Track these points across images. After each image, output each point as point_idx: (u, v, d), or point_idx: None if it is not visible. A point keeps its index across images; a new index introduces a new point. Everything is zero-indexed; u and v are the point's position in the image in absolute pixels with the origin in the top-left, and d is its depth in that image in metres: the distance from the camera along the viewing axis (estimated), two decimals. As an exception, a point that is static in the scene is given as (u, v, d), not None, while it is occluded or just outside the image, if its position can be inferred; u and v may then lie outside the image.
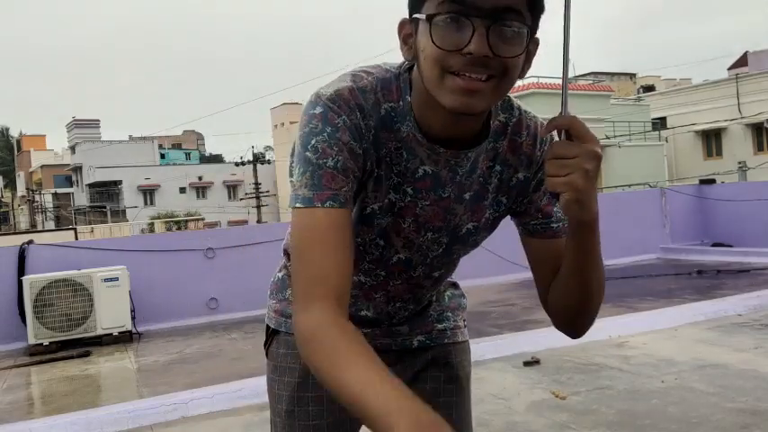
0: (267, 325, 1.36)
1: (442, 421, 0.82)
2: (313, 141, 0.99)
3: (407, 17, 0.99)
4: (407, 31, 0.99)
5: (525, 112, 1.12)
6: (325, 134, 0.99)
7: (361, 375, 0.87)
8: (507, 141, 1.10)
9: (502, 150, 1.11)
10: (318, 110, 1.00)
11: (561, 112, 0.96)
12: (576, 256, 1.05)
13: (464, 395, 1.35)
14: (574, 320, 1.14)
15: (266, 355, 1.37)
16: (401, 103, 1.04)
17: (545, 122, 1.09)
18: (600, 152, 0.92)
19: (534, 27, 0.95)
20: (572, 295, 1.10)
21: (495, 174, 1.12)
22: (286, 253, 1.35)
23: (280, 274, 1.37)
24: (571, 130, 0.92)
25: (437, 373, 1.33)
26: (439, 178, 1.08)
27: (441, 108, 0.96)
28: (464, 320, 1.41)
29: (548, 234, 1.17)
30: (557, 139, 0.96)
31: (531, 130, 1.12)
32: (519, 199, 1.16)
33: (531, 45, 0.97)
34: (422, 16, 0.93)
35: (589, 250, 1.05)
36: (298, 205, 0.98)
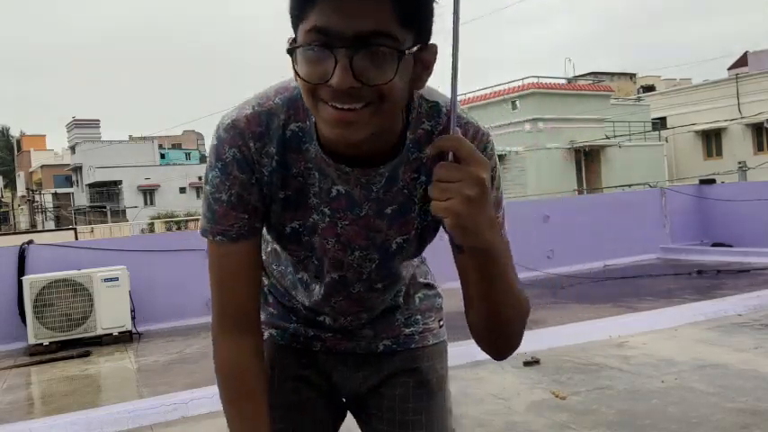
0: None
1: None
2: (210, 176, 1.03)
3: (291, 37, 0.93)
4: (289, 49, 0.96)
5: (457, 117, 1.04)
6: (217, 169, 1.02)
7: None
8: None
9: (427, 160, 1.04)
10: (214, 142, 1.04)
11: (451, 131, 0.91)
12: (479, 283, 0.99)
13: (436, 399, 1.31)
14: (490, 343, 1.07)
15: None
16: (308, 123, 1.02)
17: (478, 127, 1.05)
18: (484, 177, 0.86)
19: (422, 37, 0.90)
20: (483, 319, 1.03)
21: (420, 185, 1.07)
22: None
23: None
24: (456, 152, 0.87)
25: (406, 379, 1.29)
26: (352, 197, 1.05)
27: None
28: (440, 320, 1.37)
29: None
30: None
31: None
32: None
33: (427, 55, 0.92)
34: (288, 45, 0.91)
35: (491, 278, 0.97)
36: (201, 235, 1.08)
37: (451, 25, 0.89)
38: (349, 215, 1.07)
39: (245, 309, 1.09)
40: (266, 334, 1.31)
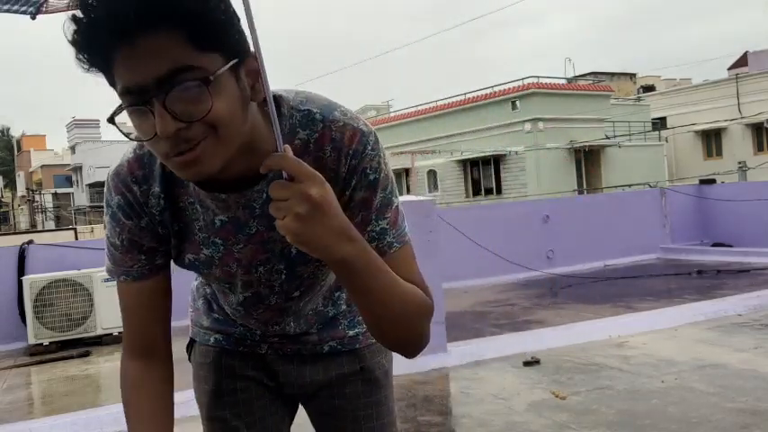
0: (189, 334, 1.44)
1: None
2: (105, 221, 1.09)
3: None
4: None
5: (332, 122, 1.00)
6: (109, 215, 1.08)
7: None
8: (312, 159, 0.99)
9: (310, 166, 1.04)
10: (105, 190, 1.08)
11: (278, 149, 0.88)
12: (349, 295, 0.99)
13: (383, 392, 1.37)
14: (388, 346, 1.07)
15: (189, 361, 1.43)
16: None
17: (357, 127, 1.01)
18: (312, 192, 0.84)
19: (233, 53, 0.86)
20: (370, 327, 1.01)
21: None
22: None
23: (196, 283, 1.42)
24: (285, 170, 0.85)
25: (354, 378, 1.35)
26: (238, 221, 1.05)
27: None
28: None
29: None
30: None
31: (337, 143, 1.00)
32: None
33: (249, 66, 0.89)
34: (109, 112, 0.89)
35: (357, 291, 0.94)
36: (106, 272, 1.15)
37: (253, 41, 0.86)
38: (240, 237, 1.07)
39: (153, 338, 1.15)
40: (212, 339, 1.35)
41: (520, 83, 24.45)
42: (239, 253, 1.10)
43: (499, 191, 24.72)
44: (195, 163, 0.87)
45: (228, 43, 0.86)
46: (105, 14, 0.80)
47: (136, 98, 0.84)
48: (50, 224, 45.36)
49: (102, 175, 45.69)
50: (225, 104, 0.86)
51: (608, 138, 25.69)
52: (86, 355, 6.36)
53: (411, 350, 1.03)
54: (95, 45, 0.82)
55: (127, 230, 1.07)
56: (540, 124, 23.63)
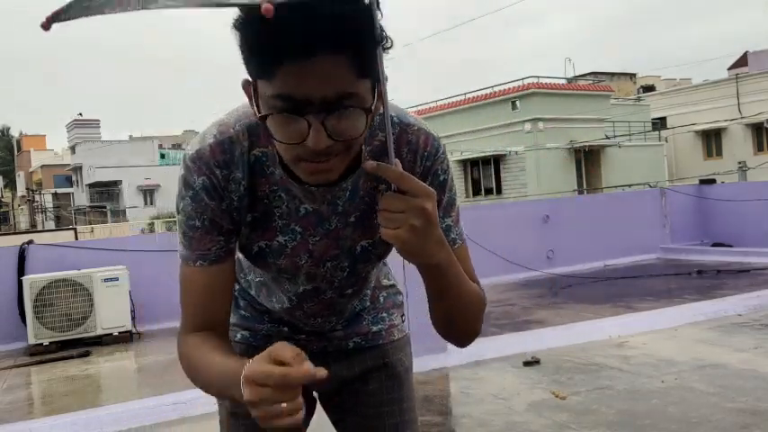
0: None
1: (261, 363, 0.87)
2: (181, 205, 1.08)
3: (248, 79, 0.96)
4: (249, 93, 0.97)
5: (408, 126, 1.09)
6: (188, 198, 1.06)
7: (210, 371, 1.02)
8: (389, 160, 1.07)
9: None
10: (182, 172, 1.07)
11: (391, 161, 0.95)
12: (433, 294, 1.06)
13: (405, 388, 1.40)
14: (449, 337, 1.15)
15: None
16: (270, 148, 1.06)
17: (429, 132, 1.09)
18: (429, 208, 0.91)
19: (377, 77, 0.92)
20: (439, 320, 1.11)
21: (380, 192, 1.12)
22: None
23: None
24: (398, 185, 0.92)
25: (377, 374, 1.38)
26: (321, 214, 1.11)
27: None
28: (402, 316, 1.46)
29: None
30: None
31: (413, 146, 1.09)
32: None
33: (380, 87, 0.94)
34: (256, 112, 0.93)
35: (442, 290, 1.04)
36: (179, 258, 1.12)
37: (379, 57, 0.91)
38: (319, 230, 1.13)
39: (217, 318, 1.13)
40: (238, 335, 1.37)
41: (520, 83, 24.45)
42: (314, 245, 1.14)
43: (499, 191, 24.72)
44: (324, 172, 0.94)
45: (376, 69, 0.92)
46: (301, 25, 0.83)
47: (295, 107, 0.88)
48: (50, 224, 45.35)
49: (102, 176, 45.69)
50: (365, 127, 0.93)
51: (608, 138, 25.68)
52: (86, 355, 6.36)
53: (469, 340, 1.14)
54: (276, 48, 0.85)
55: (210, 211, 1.06)
56: (540, 124, 23.62)
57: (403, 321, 1.45)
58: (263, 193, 1.09)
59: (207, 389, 1.05)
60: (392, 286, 1.45)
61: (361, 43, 0.87)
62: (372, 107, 0.93)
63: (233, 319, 1.37)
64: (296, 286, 1.22)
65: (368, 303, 1.38)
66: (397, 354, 1.40)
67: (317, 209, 1.10)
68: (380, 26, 0.89)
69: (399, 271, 1.44)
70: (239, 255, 1.23)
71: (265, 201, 1.09)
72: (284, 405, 0.83)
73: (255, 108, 0.94)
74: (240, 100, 1.08)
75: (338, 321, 1.33)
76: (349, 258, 1.17)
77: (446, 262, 1.00)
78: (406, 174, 0.93)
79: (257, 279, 1.31)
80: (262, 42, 0.86)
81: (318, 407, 1.45)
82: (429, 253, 0.95)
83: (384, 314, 1.40)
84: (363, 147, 1.07)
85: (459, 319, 1.10)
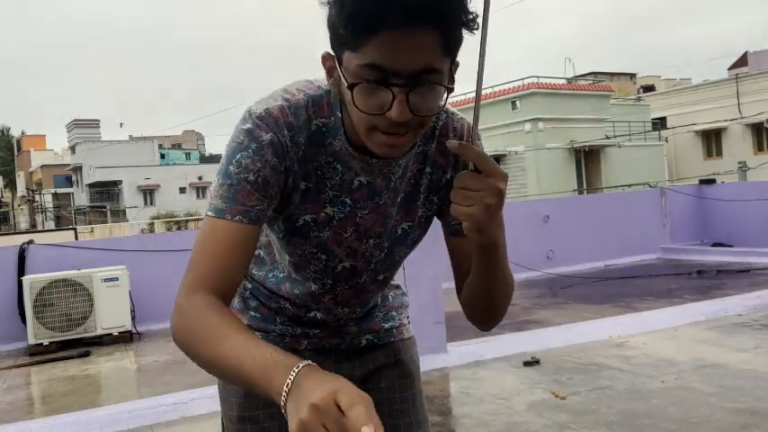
0: None
1: (316, 368, 0.83)
2: (238, 156, 1.04)
3: (330, 51, 0.99)
4: (330, 64, 1.00)
5: (452, 114, 1.17)
6: (250, 150, 1.04)
7: (237, 344, 0.90)
8: (436, 144, 1.15)
9: (431, 153, 1.16)
10: (247, 126, 1.05)
11: (474, 142, 1.02)
12: (480, 272, 1.10)
13: (416, 387, 1.40)
14: (480, 318, 1.19)
15: None
16: (332, 118, 1.08)
17: (469, 123, 1.16)
18: (503, 189, 0.95)
19: (457, 54, 0.97)
20: (478, 299, 1.15)
21: (425, 175, 1.17)
22: None
23: None
24: (478, 165, 0.95)
25: (390, 372, 1.37)
26: (374, 187, 1.13)
27: None
28: (407, 317, 1.47)
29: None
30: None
31: (458, 132, 1.16)
32: (448, 198, 1.18)
33: (453, 68, 0.99)
34: (344, 81, 0.95)
35: (492, 268, 1.08)
36: (209, 214, 1.04)
37: (479, 47, 0.96)
38: (369, 204, 1.14)
39: (231, 282, 1.05)
40: None
41: (520, 83, 24.47)
42: (361, 218, 1.15)
43: (499, 191, 24.68)
44: (397, 146, 0.98)
45: (459, 49, 0.96)
46: None
47: (383, 78, 0.91)
48: (50, 224, 45.35)
49: (102, 176, 45.69)
50: (440, 104, 0.98)
51: (608, 138, 25.68)
52: (86, 355, 6.36)
53: (498, 319, 1.18)
54: (375, 17, 0.88)
55: (269, 168, 1.05)
56: (540, 124, 23.63)
57: (409, 323, 1.47)
58: (317, 164, 1.10)
59: (213, 362, 0.94)
60: (398, 287, 1.47)
61: (452, 21, 0.91)
62: (453, 72, 0.97)
63: (243, 321, 1.31)
64: (334, 263, 1.20)
65: (379, 300, 1.39)
66: (408, 352, 1.41)
67: (372, 181, 1.12)
68: (467, 5, 0.93)
69: (399, 271, 1.43)
70: (271, 237, 1.21)
71: (318, 172, 1.10)
72: None
73: (343, 78, 0.95)
74: (250, 98, 1.10)
75: (361, 313, 1.34)
76: (389, 239, 1.20)
77: (502, 242, 1.05)
78: (486, 154, 0.96)
79: (273, 273, 1.27)
80: (360, 10, 0.89)
81: None
82: (493, 232, 0.99)
83: (394, 312, 1.42)
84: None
85: (500, 299, 1.14)
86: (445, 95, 0.97)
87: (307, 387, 0.81)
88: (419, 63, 0.90)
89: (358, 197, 1.13)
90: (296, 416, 0.79)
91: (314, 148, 1.09)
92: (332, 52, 0.98)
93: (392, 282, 1.44)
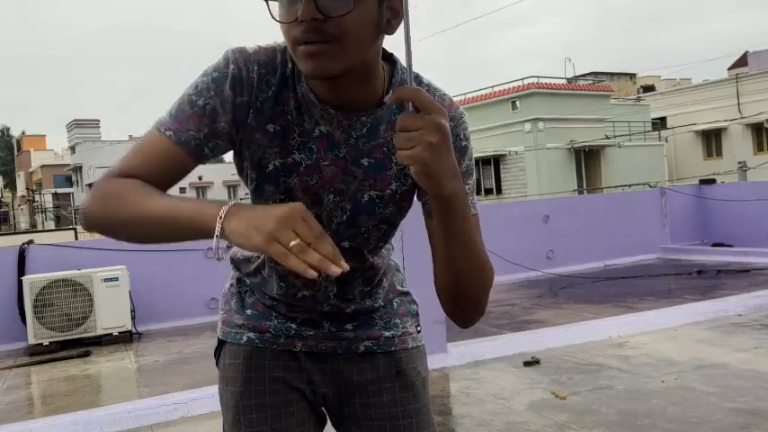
0: (218, 336, 1.38)
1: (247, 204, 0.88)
2: (197, 81, 1.08)
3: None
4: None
5: (435, 89, 1.15)
6: (210, 77, 1.07)
7: (166, 199, 0.99)
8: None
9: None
10: (217, 60, 1.10)
11: (408, 83, 1.00)
12: (442, 237, 1.05)
13: (422, 401, 1.33)
14: (455, 309, 1.13)
15: (216, 365, 1.37)
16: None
17: (452, 100, 1.16)
18: (444, 123, 0.92)
19: None
20: (446, 283, 1.10)
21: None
22: (232, 262, 1.36)
23: (227, 285, 1.39)
24: (415, 102, 0.93)
25: (391, 384, 1.31)
26: (333, 138, 1.12)
27: None
28: (417, 326, 1.40)
29: None
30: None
31: None
32: None
33: (393, 2, 1.01)
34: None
35: (452, 231, 1.03)
36: (152, 126, 1.09)
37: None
38: (330, 155, 1.13)
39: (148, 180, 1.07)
40: (244, 338, 1.31)
41: (520, 83, 24.47)
42: (323, 168, 1.14)
43: (499, 191, 24.73)
44: (317, 55, 0.97)
45: None
46: None
47: None
48: (50, 224, 45.35)
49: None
50: (360, 17, 0.97)
51: (608, 138, 25.69)
52: (86, 355, 6.36)
53: (473, 314, 1.13)
54: None
55: (220, 101, 1.07)
56: (540, 124, 23.63)
57: (419, 332, 1.39)
58: (287, 108, 1.11)
59: (140, 218, 1.00)
60: (407, 294, 1.40)
61: None
62: (376, 2, 0.98)
63: (238, 321, 1.32)
64: None
65: (380, 303, 1.33)
66: (412, 363, 1.34)
67: (331, 132, 1.11)
68: None
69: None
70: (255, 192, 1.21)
71: (288, 116, 1.11)
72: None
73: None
74: None
75: (341, 296, 1.26)
76: (352, 202, 1.17)
77: (461, 194, 1.00)
78: (423, 91, 0.94)
79: (261, 263, 1.27)
80: None
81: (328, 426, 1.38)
82: (443, 177, 0.95)
83: (397, 320, 1.35)
84: (391, 91, 1.10)
85: (470, 279, 1.08)
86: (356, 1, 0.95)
87: (253, 209, 0.92)
88: None
89: (319, 147, 1.13)
90: (260, 233, 0.87)
91: (285, 91, 1.10)
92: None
93: (399, 287, 1.38)
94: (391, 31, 1.03)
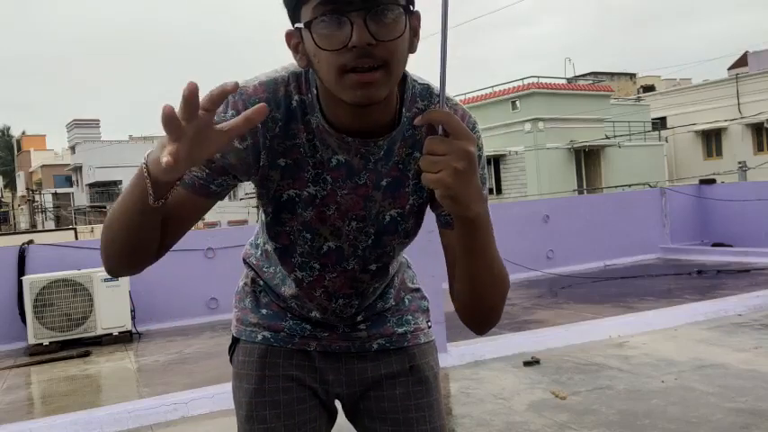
0: (232, 334, 1.40)
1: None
2: None
3: (292, 28, 1.01)
4: (295, 41, 1.01)
5: (447, 99, 1.12)
6: None
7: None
8: (426, 128, 1.10)
9: (421, 137, 1.11)
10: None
11: (439, 106, 0.97)
12: (463, 256, 1.04)
13: (433, 395, 1.35)
14: (472, 316, 1.13)
15: (230, 362, 1.40)
16: (309, 95, 1.08)
17: (465, 110, 1.15)
18: (472, 150, 0.91)
19: (410, 1, 0.98)
20: (465, 294, 1.09)
21: (414, 160, 1.14)
22: (246, 263, 1.38)
23: (241, 284, 1.41)
24: (445, 126, 0.92)
25: (404, 378, 1.33)
26: (352, 167, 1.11)
27: (343, 102, 0.99)
28: (428, 321, 1.42)
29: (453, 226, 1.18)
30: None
31: None
32: None
33: (414, 20, 1.00)
34: (301, 25, 0.97)
35: (474, 250, 1.02)
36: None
37: (441, 6, 0.94)
38: (348, 183, 1.12)
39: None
40: (259, 336, 1.33)
41: (520, 83, 24.47)
42: (341, 198, 1.13)
43: (499, 191, 24.73)
44: (370, 85, 0.94)
45: None
46: None
47: (338, 7, 0.92)
48: (50, 224, 45.35)
49: (102, 176, 45.71)
50: (404, 42, 0.97)
51: (608, 138, 25.69)
52: (86, 355, 6.36)
53: (491, 322, 1.12)
54: None
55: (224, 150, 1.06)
56: (540, 124, 23.63)
57: (429, 327, 1.42)
58: (299, 141, 1.09)
59: (120, 224, 1.01)
60: (417, 290, 1.42)
61: None
62: (412, 8, 0.98)
63: (253, 319, 1.34)
64: (319, 242, 1.18)
65: (392, 303, 1.35)
66: (424, 357, 1.36)
67: (349, 160, 1.10)
68: None
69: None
70: (268, 242, 1.23)
71: (301, 149, 1.09)
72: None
73: (306, 38, 0.97)
74: None
75: (360, 308, 1.29)
76: (375, 225, 1.17)
77: (484, 217, 0.99)
78: (454, 116, 0.92)
79: (279, 267, 1.28)
80: None
81: (341, 417, 1.40)
82: (469, 201, 0.93)
83: (409, 317, 1.37)
84: (404, 111, 1.09)
85: (490, 291, 1.07)
86: (406, 18, 0.96)
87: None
88: None
89: (336, 176, 1.11)
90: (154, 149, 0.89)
91: (293, 123, 1.08)
92: (292, 27, 1.00)
93: (410, 285, 1.40)
94: (413, 50, 1.02)
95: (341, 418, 1.41)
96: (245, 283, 1.39)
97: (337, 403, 1.39)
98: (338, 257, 1.21)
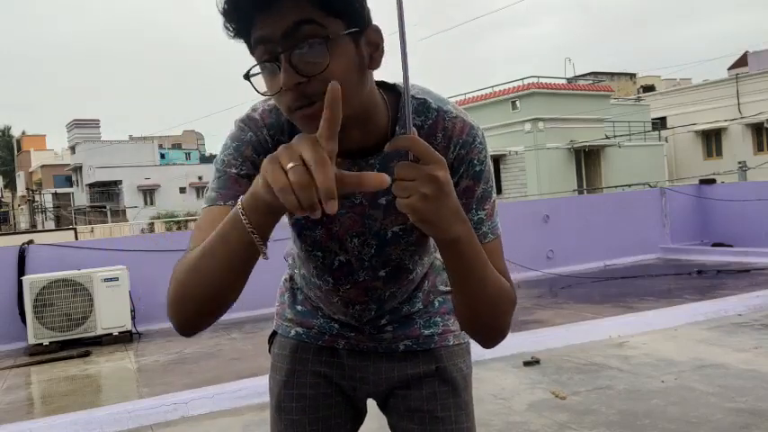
0: (273, 327, 1.49)
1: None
2: (222, 156, 1.12)
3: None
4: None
5: (446, 112, 1.11)
6: (232, 148, 1.11)
7: (209, 239, 0.97)
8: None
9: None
10: (232, 131, 1.13)
11: (405, 132, 0.94)
12: (452, 275, 1.03)
13: (462, 397, 1.35)
14: (472, 333, 1.12)
15: (269, 352, 1.48)
16: None
17: (467, 121, 1.12)
18: (440, 175, 0.88)
19: (355, 21, 0.95)
20: (462, 310, 1.08)
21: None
22: (286, 261, 1.46)
23: (283, 278, 1.48)
24: (412, 152, 0.89)
25: (431, 379, 1.35)
26: None
27: None
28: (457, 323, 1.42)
29: None
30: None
31: (448, 132, 1.10)
32: None
33: (369, 36, 0.98)
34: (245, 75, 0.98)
35: (460, 271, 1.00)
36: (204, 206, 1.11)
37: (398, 17, 0.92)
38: (345, 203, 1.14)
39: None
40: (293, 331, 1.41)
41: (520, 83, 24.46)
42: (340, 217, 1.17)
43: (499, 191, 24.71)
44: (315, 117, 0.91)
45: (351, 11, 0.95)
46: None
47: (266, 54, 0.93)
48: (50, 224, 45.36)
49: (102, 176, 45.70)
50: (341, 66, 0.94)
51: (608, 138, 25.68)
52: (86, 355, 6.36)
53: (494, 338, 1.10)
54: (239, 14, 0.93)
55: (249, 163, 1.09)
56: (540, 124, 23.63)
57: (459, 329, 1.40)
58: None
59: (202, 269, 0.98)
60: (449, 293, 1.40)
61: None
62: (360, 27, 0.95)
63: (289, 315, 1.41)
64: (330, 258, 1.22)
65: (420, 306, 1.36)
66: (453, 359, 1.36)
67: None
68: None
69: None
70: (297, 247, 1.28)
71: None
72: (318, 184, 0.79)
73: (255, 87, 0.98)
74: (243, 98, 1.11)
75: (379, 312, 1.31)
76: (376, 239, 1.19)
77: (466, 238, 0.96)
78: (421, 141, 0.90)
79: (309, 271, 1.32)
80: (232, 16, 0.94)
81: (369, 416, 1.45)
82: (443, 224, 0.92)
83: (438, 318, 1.38)
84: (398, 129, 1.08)
85: (485, 310, 1.06)
86: (327, 48, 0.92)
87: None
88: (288, 20, 0.90)
89: None
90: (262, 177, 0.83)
91: None
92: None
93: (442, 287, 1.40)
94: (376, 65, 1.00)
95: (369, 420, 1.45)
96: (286, 279, 1.46)
97: (370, 403, 1.43)
98: (348, 270, 1.24)
